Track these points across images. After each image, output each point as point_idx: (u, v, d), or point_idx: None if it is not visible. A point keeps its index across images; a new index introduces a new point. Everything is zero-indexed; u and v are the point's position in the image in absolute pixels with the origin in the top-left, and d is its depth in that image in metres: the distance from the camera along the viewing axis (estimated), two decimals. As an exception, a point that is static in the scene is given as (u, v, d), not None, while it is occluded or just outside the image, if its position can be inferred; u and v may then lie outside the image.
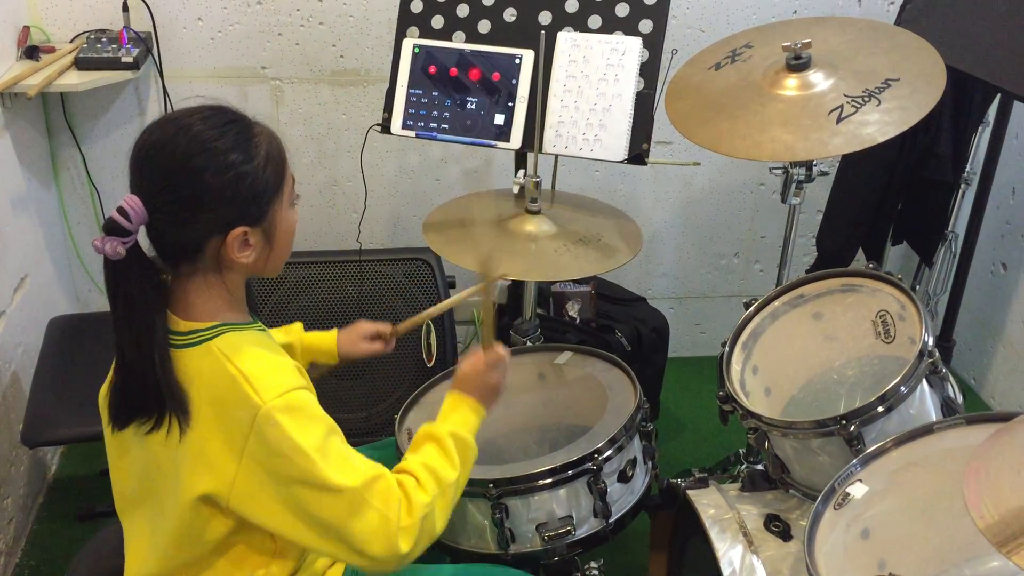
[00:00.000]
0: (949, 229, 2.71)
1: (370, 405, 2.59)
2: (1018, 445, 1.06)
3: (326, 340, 1.76)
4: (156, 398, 1.24)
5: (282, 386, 1.24)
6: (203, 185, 1.22)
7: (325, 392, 2.30)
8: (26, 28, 2.50)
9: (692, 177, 3.01)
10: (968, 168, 2.62)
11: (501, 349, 1.54)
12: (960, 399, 1.65)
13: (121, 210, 1.20)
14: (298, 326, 1.77)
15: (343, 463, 1.27)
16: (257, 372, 1.24)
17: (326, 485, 1.24)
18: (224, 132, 1.24)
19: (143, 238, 1.25)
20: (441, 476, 1.36)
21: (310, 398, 1.29)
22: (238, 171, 1.24)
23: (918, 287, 2.91)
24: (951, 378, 1.66)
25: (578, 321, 2.65)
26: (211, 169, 1.22)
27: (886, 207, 2.65)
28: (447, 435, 1.40)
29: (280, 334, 1.72)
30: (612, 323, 2.65)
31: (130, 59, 2.41)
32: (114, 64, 2.41)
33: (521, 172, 2.11)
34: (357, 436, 2.48)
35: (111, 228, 1.20)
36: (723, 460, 2.44)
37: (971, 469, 1.03)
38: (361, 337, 1.79)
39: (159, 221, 1.23)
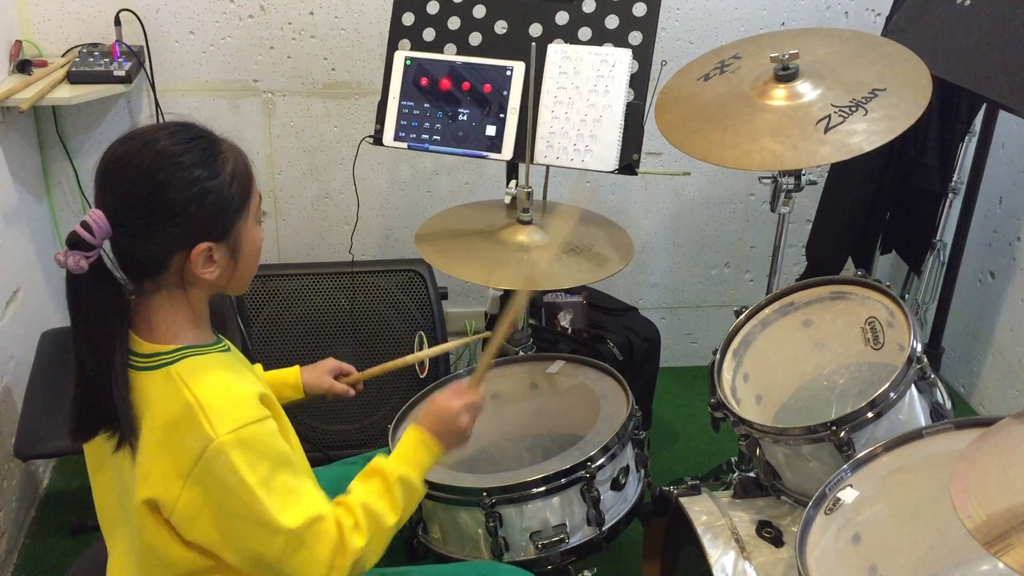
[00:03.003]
0: (937, 238, 2.74)
1: (363, 417, 2.59)
2: (1004, 446, 1.07)
3: (288, 375, 1.74)
4: (112, 417, 1.24)
5: (238, 420, 1.23)
6: (167, 200, 1.22)
7: (318, 404, 2.30)
8: (18, 42, 2.50)
9: (682, 187, 3.03)
10: (955, 177, 2.65)
11: (481, 397, 1.52)
12: (949, 405, 1.67)
13: (85, 224, 1.20)
14: (258, 368, 1.73)
15: (286, 500, 1.26)
16: (214, 402, 1.23)
17: (266, 523, 1.23)
18: (190, 148, 1.24)
19: (108, 254, 1.25)
20: (380, 520, 1.36)
21: (266, 430, 1.27)
22: (203, 186, 1.24)
23: (907, 296, 2.93)
24: (939, 384, 1.68)
25: (570, 331, 2.66)
26: (176, 184, 1.22)
27: (874, 217, 2.67)
28: (396, 479, 1.39)
29: None
30: (604, 333, 2.66)
31: (122, 73, 2.42)
32: (106, 78, 2.42)
33: (513, 183, 2.12)
34: (350, 447, 2.50)
35: (74, 242, 1.20)
36: (715, 468, 2.45)
37: (958, 471, 1.04)
38: (327, 371, 1.77)
39: (123, 236, 1.23)
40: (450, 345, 1.92)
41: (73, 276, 1.22)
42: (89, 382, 1.25)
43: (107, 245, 1.24)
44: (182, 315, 1.30)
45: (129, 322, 1.28)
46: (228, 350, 1.38)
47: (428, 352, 1.83)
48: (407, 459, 1.43)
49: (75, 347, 1.25)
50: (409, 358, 1.84)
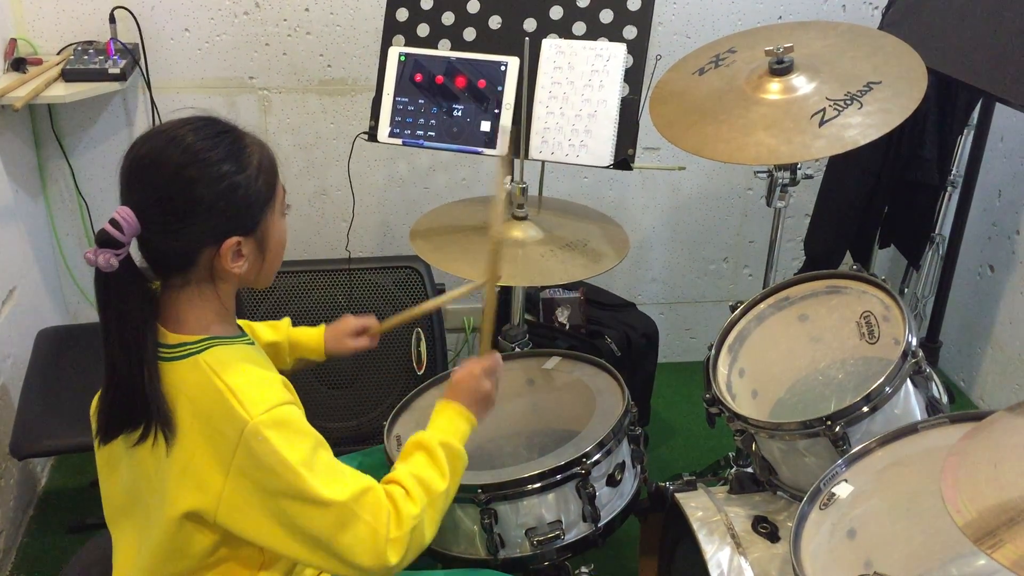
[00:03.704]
0: (936, 231, 2.73)
1: (360, 414, 2.59)
2: (995, 440, 1.07)
3: (313, 338, 1.76)
4: (143, 410, 1.24)
5: (269, 401, 1.24)
6: (196, 196, 1.22)
7: (316, 401, 2.30)
8: (13, 41, 2.50)
9: (680, 182, 3.02)
10: (954, 171, 2.64)
11: (496, 357, 1.54)
12: (945, 399, 1.66)
13: (114, 222, 1.19)
14: (286, 322, 1.76)
15: (331, 476, 1.26)
16: (244, 386, 1.24)
17: (314, 499, 1.23)
18: (217, 143, 1.24)
19: (134, 250, 1.25)
20: (430, 486, 1.36)
21: (297, 413, 1.29)
22: (231, 181, 1.24)
23: (906, 289, 2.92)
24: (935, 378, 1.67)
25: (568, 327, 2.65)
26: (204, 180, 1.22)
27: (873, 210, 2.67)
28: (437, 444, 1.40)
29: (268, 330, 1.72)
30: (602, 329, 2.66)
31: (117, 70, 2.41)
32: (101, 75, 2.41)
33: (507, 178, 2.11)
34: (347, 444, 2.50)
35: (104, 240, 1.19)
36: (713, 464, 2.44)
37: (948, 466, 1.04)
38: (347, 334, 1.78)
39: (152, 232, 1.23)
40: (462, 291, 1.82)
41: (102, 274, 1.22)
42: (120, 380, 1.25)
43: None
44: (210, 309, 1.31)
45: (156, 317, 1.28)
46: (252, 344, 1.39)
47: (445, 298, 1.82)
48: (443, 428, 1.44)
49: (105, 345, 1.25)
50: (426, 305, 1.84)
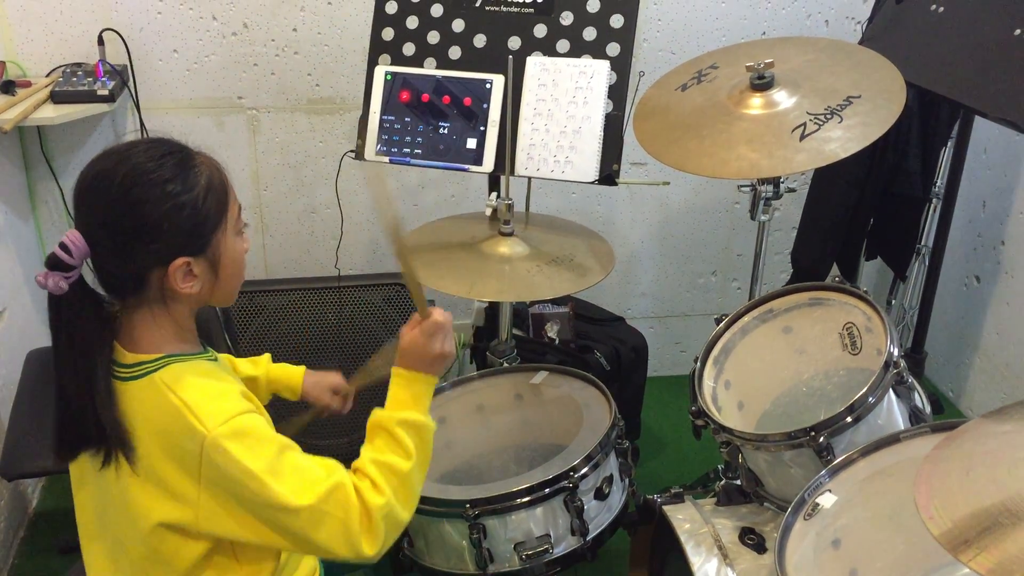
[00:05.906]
0: (921, 243, 2.75)
1: (351, 431, 2.59)
2: (967, 448, 1.08)
3: (292, 376, 1.75)
4: (98, 433, 1.24)
5: (226, 412, 1.24)
6: (142, 217, 1.23)
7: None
8: (2, 63, 2.51)
9: (668, 197, 3.04)
10: (938, 183, 2.66)
11: (438, 315, 1.45)
12: (928, 409, 1.68)
13: (63, 245, 1.21)
14: (266, 358, 1.76)
15: (298, 480, 1.26)
16: (200, 401, 1.24)
17: (282, 506, 1.24)
18: (162, 163, 1.25)
19: (89, 272, 1.26)
20: (396, 469, 1.34)
21: (257, 420, 1.29)
22: (176, 202, 1.24)
23: (893, 301, 2.94)
24: (918, 388, 1.68)
25: (557, 342, 2.66)
26: (149, 201, 1.23)
27: (858, 223, 2.68)
28: (395, 424, 1.37)
29: (248, 366, 1.71)
30: (591, 343, 2.67)
31: (106, 92, 2.43)
32: (90, 97, 2.42)
33: (494, 195, 2.13)
34: (340, 460, 2.49)
35: (53, 263, 1.21)
36: (703, 476, 2.45)
37: (922, 475, 1.04)
38: (328, 388, 1.77)
39: (100, 254, 1.24)
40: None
41: (55, 297, 1.23)
42: (71, 402, 1.25)
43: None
44: (167, 329, 1.31)
45: (113, 338, 1.29)
46: (215, 360, 1.39)
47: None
48: (400, 402, 1.41)
49: (56, 368, 1.26)
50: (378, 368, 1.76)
